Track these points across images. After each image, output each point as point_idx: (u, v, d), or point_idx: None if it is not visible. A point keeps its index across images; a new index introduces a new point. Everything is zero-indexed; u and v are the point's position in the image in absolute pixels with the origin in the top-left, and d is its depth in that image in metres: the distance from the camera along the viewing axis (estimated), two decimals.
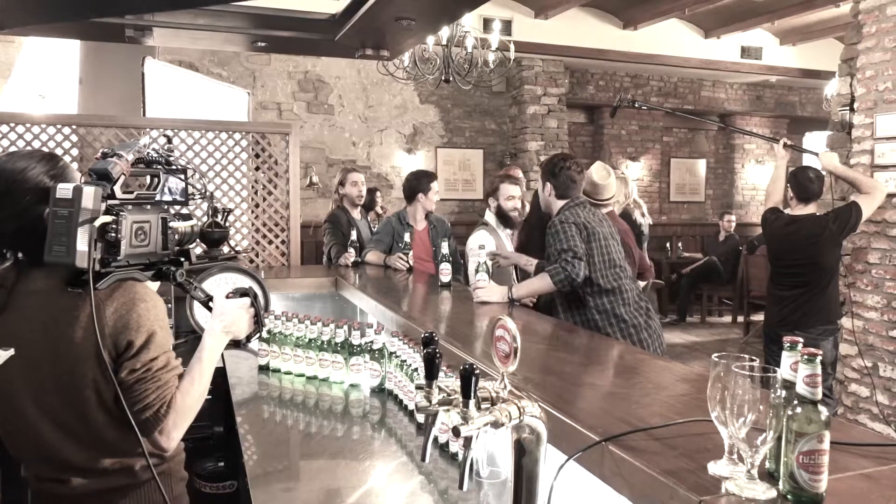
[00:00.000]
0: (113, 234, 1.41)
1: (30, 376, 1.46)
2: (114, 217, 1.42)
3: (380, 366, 2.38)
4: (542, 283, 2.93)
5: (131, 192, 1.51)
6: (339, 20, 3.20)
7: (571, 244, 2.85)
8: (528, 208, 5.18)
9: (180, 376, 1.54)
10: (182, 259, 1.66)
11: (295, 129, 4.32)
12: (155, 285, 1.69)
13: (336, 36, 3.31)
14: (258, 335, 1.79)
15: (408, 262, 3.96)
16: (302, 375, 2.56)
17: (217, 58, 8.22)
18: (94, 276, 1.38)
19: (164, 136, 2.20)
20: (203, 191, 1.90)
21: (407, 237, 4.06)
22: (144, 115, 4.42)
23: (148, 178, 1.65)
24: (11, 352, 1.24)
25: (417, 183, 4.37)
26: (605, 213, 3.45)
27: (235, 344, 1.73)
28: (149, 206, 1.56)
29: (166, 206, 1.64)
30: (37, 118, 3.87)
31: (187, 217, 1.72)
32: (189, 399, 1.52)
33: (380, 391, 2.37)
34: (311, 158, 8.54)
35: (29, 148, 3.78)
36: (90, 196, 1.38)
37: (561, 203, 3.08)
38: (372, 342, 2.42)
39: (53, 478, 1.52)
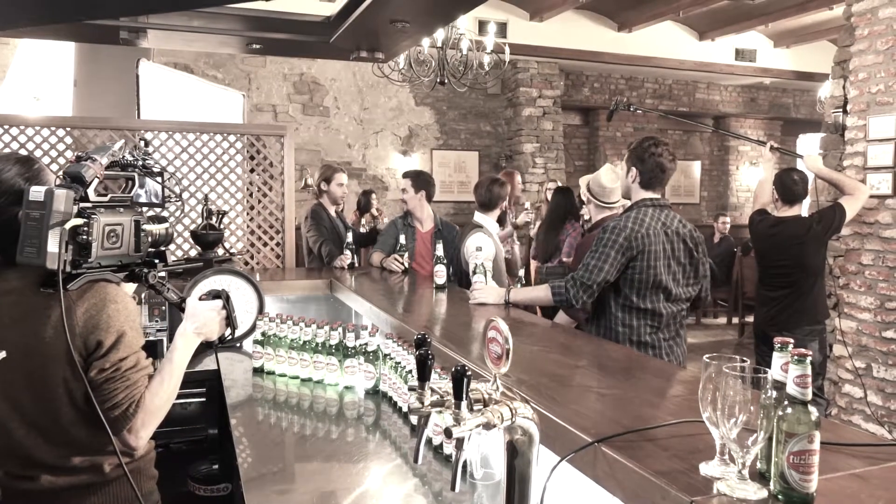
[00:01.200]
0: (84, 237, 1.44)
1: (2, 374, 1.47)
2: (85, 220, 1.44)
3: (374, 368, 2.38)
4: (542, 295, 2.83)
5: (105, 195, 1.53)
6: (333, 22, 3.20)
7: (593, 272, 2.63)
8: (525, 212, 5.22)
9: (150, 376, 1.56)
10: (156, 261, 1.68)
11: (290, 132, 4.32)
12: (131, 287, 1.71)
13: (331, 38, 3.31)
14: (230, 336, 1.81)
15: (403, 263, 3.96)
16: (296, 378, 2.55)
17: (212, 60, 8.21)
18: (65, 278, 1.41)
19: (143, 139, 2.22)
20: (179, 193, 1.92)
21: (403, 239, 4.06)
22: (139, 117, 4.42)
23: (123, 180, 1.67)
24: (3, 354, 1.25)
25: (421, 183, 4.30)
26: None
27: (207, 345, 1.74)
28: (122, 209, 1.59)
29: (140, 209, 1.66)
30: (31, 120, 3.87)
31: (161, 220, 1.74)
32: (158, 399, 1.55)
33: (374, 393, 2.37)
34: (307, 160, 8.54)
35: (7, 150, 3.77)
36: (62, 199, 1.40)
37: (639, 196, 2.78)
38: (366, 344, 2.42)
39: (23, 475, 1.53)
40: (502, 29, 8.05)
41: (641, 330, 2.71)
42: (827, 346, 4.37)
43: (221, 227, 3.65)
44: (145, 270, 1.65)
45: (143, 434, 1.53)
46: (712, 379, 1.09)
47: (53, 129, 3.86)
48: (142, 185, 1.68)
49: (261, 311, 2.96)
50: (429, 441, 1.85)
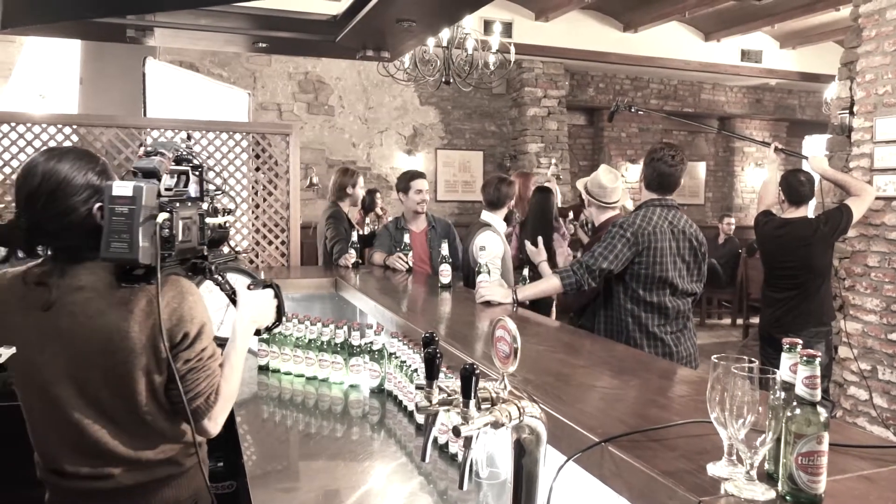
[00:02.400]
0: (168, 231, 1.43)
1: (77, 371, 1.46)
2: (169, 213, 1.44)
3: (379, 366, 2.39)
4: (549, 285, 2.91)
5: (170, 190, 1.52)
6: (340, 21, 3.21)
7: (598, 258, 2.74)
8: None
9: (220, 365, 1.57)
10: (206, 254, 1.69)
11: (295, 130, 4.32)
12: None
13: (337, 37, 3.32)
14: (278, 325, 1.83)
15: (407, 262, 3.96)
16: (301, 376, 2.56)
17: (218, 58, 8.22)
18: (147, 272, 1.41)
19: (189, 134, 2.20)
20: (220, 186, 1.92)
21: (407, 238, 4.05)
22: (145, 115, 4.42)
23: (176, 175, 1.65)
24: (13, 350, 1.25)
25: (398, 182, 4.38)
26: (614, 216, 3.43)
27: (255, 332, 1.75)
28: (189, 203, 1.59)
29: (199, 203, 1.67)
30: (37, 118, 3.87)
31: (214, 213, 1.76)
32: (231, 385, 1.58)
33: (379, 392, 2.38)
34: (312, 159, 8.55)
35: (14, 148, 3.77)
36: (150, 193, 1.40)
37: (646, 197, 2.91)
38: (371, 343, 2.42)
39: (94, 474, 1.51)
40: (507, 29, 8.04)
41: (649, 321, 2.83)
42: (832, 348, 4.36)
43: (227, 225, 3.65)
44: (205, 262, 1.67)
45: (220, 421, 1.55)
46: (720, 379, 1.09)
47: (59, 126, 3.87)
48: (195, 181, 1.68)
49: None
50: (434, 440, 1.85)
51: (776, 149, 4.31)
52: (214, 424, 1.53)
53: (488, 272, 3.09)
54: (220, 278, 1.71)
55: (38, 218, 1.44)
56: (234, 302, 1.72)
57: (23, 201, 1.46)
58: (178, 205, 1.49)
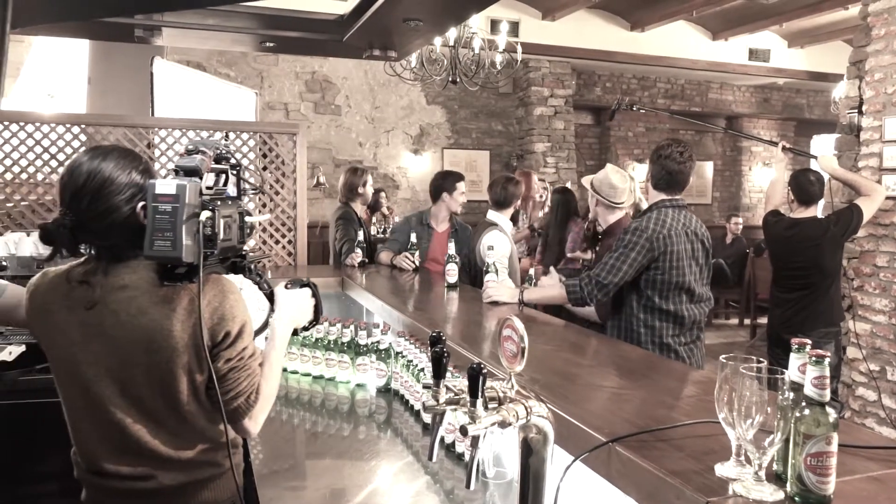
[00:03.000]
0: (210, 229, 1.43)
1: (119, 370, 1.46)
2: (211, 212, 1.43)
3: (386, 366, 2.39)
4: (556, 293, 2.84)
5: (210, 188, 1.52)
6: (346, 21, 3.21)
7: (611, 272, 2.63)
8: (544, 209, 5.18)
9: (260, 364, 1.57)
10: (244, 252, 1.68)
11: (302, 130, 4.33)
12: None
13: (344, 36, 3.32)
14: (315, 324, 1.82)
15: (414, 262, 3.95)
16: (308, 375, 2.56)
17: (225, 58, 8.24)
18: (189, 270, 1.41)
19: (226, 134, 2.18)
20: (259, 185, 1.89)
21: (413, 237, 4.04)
22: (153, 114, 4.44)
23: (214, 174, 1.64)
24: (23, 348, 1.25)
25: (443, 181, 4.26)
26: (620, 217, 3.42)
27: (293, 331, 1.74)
28: (230, 201, 1.58)
29: (239, 202, 1.65)
30: (46, 117, 3.89)
31: (249, 212, 1.73)
32: (271, 385, 1.56)
33: (386, 391, 2.38)
34: (318, 159, 8.56)
35: (23, 147, 3.79)
36: (193, 192, 1.39)
37: (656, 197, 2.78)
38: (378, 342, 2.42)
39: (135, 474, 1.50)
40: (514, 28, 8.03)
41: (663, 332, 2.70)
42: (841, 348, 4.34)
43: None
44: (244, 261, 1.65)
45: (260, 420, 1.54)
46: (728, 379, 1.09)
47: (68, 126, 3.88)
48: (236, 180, 1.66)
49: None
50: (441, 439, 1.85)
51: (784, 148, 4.28)
52: (255, 424, 1.53)
53: (496, 272, 3.08)
54: (258, 277, 1.70)
55: (82, 217, 1.44)
56: (271, 301, 1.71)
57: (67, 200, 1.46)
58: (219, 203, 1.48)
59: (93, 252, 1.51)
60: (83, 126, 3.95)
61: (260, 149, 4.24)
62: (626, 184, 3.53)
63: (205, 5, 2.98)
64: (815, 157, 4.15)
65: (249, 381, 1.50)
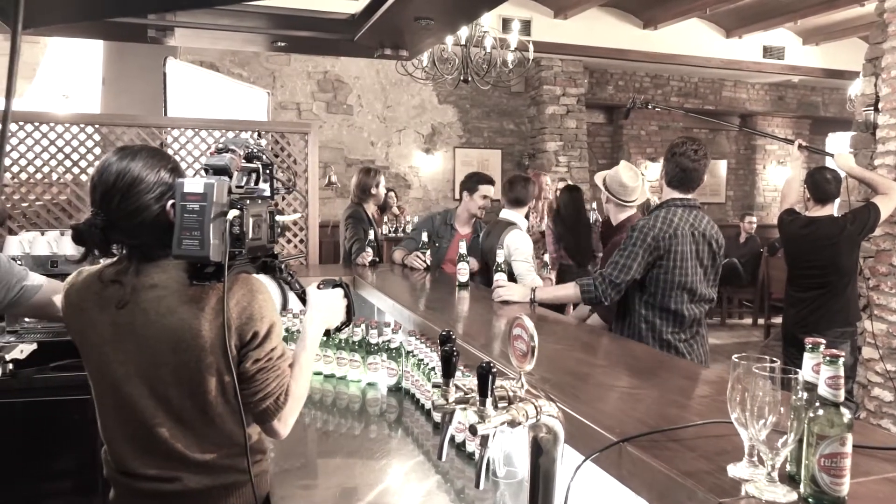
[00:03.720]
0: (238, 228, 1.42)
1: (148, 369, 1.46)
2: (240, 211, 1.43)
3: (397, 365, 2.39)
4: (569, 293, 2.86)
5: (241, 187, 1.51)
6: (358, 20, 3.21)
7: (622, 270, 2.66)
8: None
9: (290, 365, 1.55)
10: (275, 252, 1.67)
11: (314, 129, 4.35)
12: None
13: (355, 36, 3.32)
14: (348, 325, 1.80)
15: (426, 261, 3.94)
16: (319, 374, 2.57)
17: (237, 58, 8.28)
18: (218, 270, 1.40)
19: (257, 131, 2.19)
20: (291, 183, 1.89)
21: (425, 236, 4.02)
22: (166, 114, 4.47)
23: (246, 172, 1.63)
24: (34, 346, 1.26)
25: (466, 181, 4.21)
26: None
27: (326, 332, 1.73)
28: (259, 200, 1.57)
29: (270, 201, 1.64)
30: (60, 118, 3.93)
31: (280, 211, 1.73)
32: (301, 386, 1.55)
33: (396, 390, 2.38)
34: (330, 158, 8.58)
35: (38, 147, 3.83)
36: (221, 191, 1.39)
37: (669, 195, 2.81)
38: (389, 341, 2.42)
39: (161, 476, 1.49)
40: (526, 27, 8.01)
41: (663, 328, 2.74)
42: (857, 348, 4.29)
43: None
44: (275, 261, 1.65)
45: (290, 422, 1.52)
46: (741, 379, 1.08)
47: (82, 126, 3.92)
48: (265, 179, 1.64)
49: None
50: (451, 439, 1.85)
51: (800, 146, 4.24)
52: (284, 426, 1.51)
53: (504, 270, 3.08)
54: (290, 277, 1.69)
55: (113, 216, 1.45)
56: (303, 301, 1.70)
57: (98, 200, 1.46)
58: (248, 202, 1.48)
59: (124, 252, 1.51)
60: (97, 126, 3.98)
61: (272, 148, 4.26)
62: (637, 182, 3.51)
63: (213, 4, 2.98)
64: (832, 156, 4.11)
65: (279, 383, 1.48)
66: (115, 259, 1.53)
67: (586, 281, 2.77)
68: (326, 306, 1.69)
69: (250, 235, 1.47)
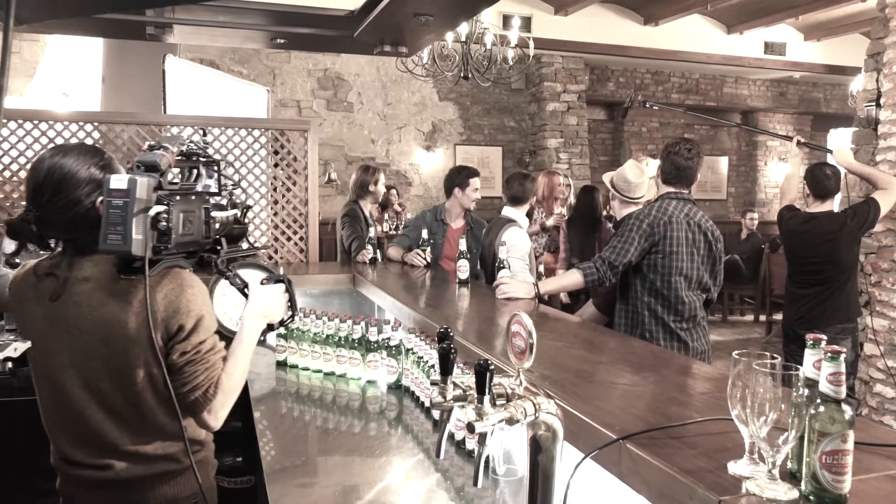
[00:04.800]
0: (165, 224, 1.45)
1: (81, 361, 1.50)
2: (165, 207, 1.45)
3: (397, 362, 2.38)
4: (572, 279, 2.94)
5: (175, 184, 1.56)
6: (357, 17, 3.21)
7: (619, 253, 2.81)
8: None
9: (224, 358, 1.58)
10: (218, 247, 1.71)
11: (314, 127, 4.33)
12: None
13: (355, 32, 3.32)
14: (291, 320, 1.84)
15: (426, 258, 3.93)
16: (319, 371, 2.56)
17: (237, 55, 8.27)
18: (144, 264, 1.43)
19: (202, 129, 2.26)
20: (238, 181, 1.95)
21: (425, 234, 4.02)
22: (165, 112, 4.46)
23: (187, 170, 1.69)
24: (28, 344, 1.28)
25: (456, 176, 4.23)
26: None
27: (269, 326, 1.76)
28: (193, 197, 1.61)
29: (206, 197, 1.68)
30: (60, 115, 3.92)
31: (223, 207, 1.77)
32: (233, 380, 1.58)
33: (396, 388, 2.37)
34: (331, 156, 8.57)
35: (37, 145, 3.82)
36: (144, 187, 1.42)
37: (663, 190, 2.98)
38: (389, 339, 2.42)
39: (96, 464, 1.54)
40: (526, 23, 7.98)
41: (664, 316, 2.86)
42: (858, 344, 4.29)
43: (246, 221, 3.66)
44: (213, 257, 1.68)
45: (221, 415, 1.56)
46: (741, 376, 1.07)
47: (82, 124, 3.91)
48: (210, 176, 1.70)
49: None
50: (451, 436, 1.84)
51: (799, 143, 4.24)
52: (215, 418, 1.54)
53: (509, 267, 3.08)
54: (229, 273, 1.71)
55: (44, 211, 1.49)
56: (245, 296, 1.73)
57: (30, 195, 1.51)
58: (177, 198, 1.51)
59: (54, 246, 1.56)
60: (96, 124, 3.97)
61: (272, 146, 4.25)
62: (642, 179, 3.52)
63: (205, 0, 2.98)
64: (831, 152, 4.11)
65: (207, 375, 1.51)
66: (52, 253, 1.57)
67: (587, 265, 2.87)
68: (267, 301, 1.72)
69: (180, 231, 1.51)
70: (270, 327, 1.76)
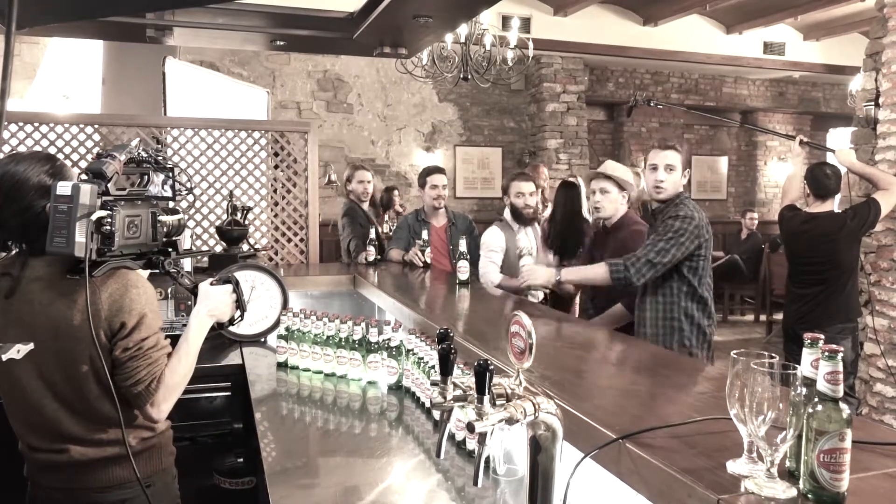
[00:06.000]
0: (108, 227, 1.56)
1: (35, 354, 1.59)
2: (108, 212, 1.56)
3: (397, 363, 2.38)
4: (597, 273, 2.86)
5: (124, 189, 1.67)
6: (357, 18, 3.20)
7: (662, 253, 2.69)
8: (549, 205, 5.15)
9: (169, 355, 1.69)
10: (170, 249, 1.81)
11: (314, 128, 4.34)
12: (145, 273, 1.84)
13: (354, 34, 3.31)
14: (241, 319, 1.93)
15: (424, 259, 3.96)
16: (320, 372, 2.56)
17: (237, 57, 8.28)
18: (90, 265, 1.52)
19: (155, 138, 2.38)
20: (189, 186, 2.10)
21: (425, 234, 4.06)
22: (165, 114, 4.46)
23: (138, 176, 1.82)
24: (31, 346, 1.32)
25: (419, 177, 4.47)
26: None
27: (219, 325, 1.86)
28: (139, 202, 1.72)
29: (155, 202, 1.79)
30: (60, 118, 3.93)
31: (174, 211, 1.89)
32: (176, 376, 1.69)
33: (397, 388, 2.37)
34: (331, 157, 8.58)
35: (37, 147, 3.85)
36: (87, 193, 1.52)
37: (680, 189, 2.89)
38: (389, 339, 2.42)
39: (52, 448, 1.66)
40: (526, 24, 7.99)
41: (702, 321, 2.84)
42: (859, 344, 4.29)
43: (246, 223, 3.68)
44: (161, 258, 1.78)
45: (164, 408, 1.67)
46: (740, 375, 1.07)
47: (82, 126, 3.92)
48: (166, 181, 1.83)
49: (285, 306, 2.98)
50: (451, 437, 1.85)
51: (801, 142, 4.23)
52: (158, 411, 1.66)
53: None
54: (177, 274, 1.81)
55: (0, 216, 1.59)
56: (195, 296, 1.82)
57: None
58: (122, 203, 1.62)
59: (12, 247, 1.67)
60: (97, 126, 3.98)
61: (272, 147, 4.26)
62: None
63: (207, 3, 2.98)
64: (833, 151, 4.11)
65: (149, 371, 1.62)
66: (11, 255, 1.69)
67: (616, 261, 2.78)
68: (214, 300, 1.81)
69: (125, 234, 1.62)
70: (221, 326, 1.85)
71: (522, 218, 3.99)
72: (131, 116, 4.16)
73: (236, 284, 1.87)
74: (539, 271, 2.95)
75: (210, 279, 1.86)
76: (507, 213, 4.09)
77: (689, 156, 3.10)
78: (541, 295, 3.65)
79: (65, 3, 2.32)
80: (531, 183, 4.04)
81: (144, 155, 1.79)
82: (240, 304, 1.88)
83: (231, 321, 1.89)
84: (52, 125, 3.85)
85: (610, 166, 3.48)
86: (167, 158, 1.88)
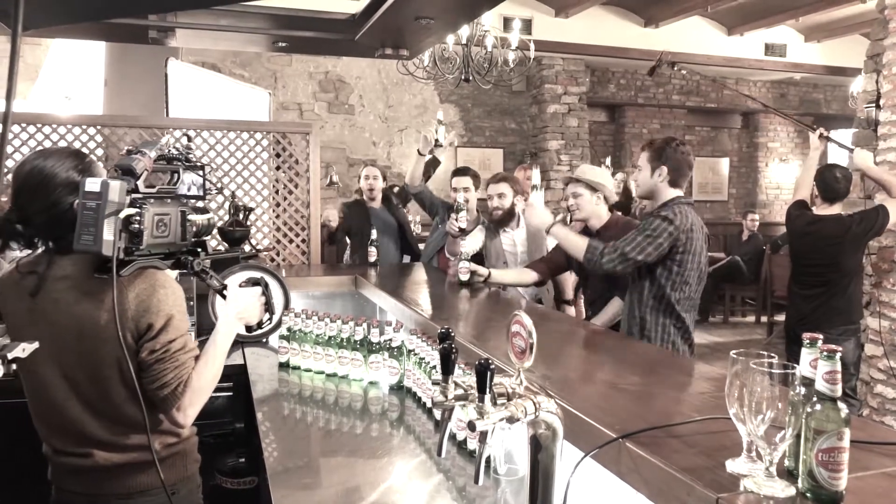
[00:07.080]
0: (136, 226, 1.50)
1: (59, 355, 1.56)
2: (137, 209, 1.51)
3: (398, 363, 2.39)
4: (577, 246, 2.84)
5: (153, 187, 1.61)
6: (358, 20, 3.21)
7: (636, 249, 2.66)
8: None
9: (197, 358, 1.65)
10: (199, 250, 1.76)
11: (315, 129, 4.35)
12: (174, 273, 1.81)
13: (356, 36, 3.32)
14: (270, 323, 1.90)
15: (459, 224, 3.72)
16: (321, 372, 2.57)
17: (239, 59, 8.29)
18: (118, 264, 1.48)
19: (186, 135, 2.31)
20: (220, 186, 2.03)
21: (461, 197, 3.86)
22: (167, 115, 4.47)
23: (168, 173, 1.76)
24: (36, 344, 1.31)
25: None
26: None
27: (248, 329, 1.83)
28: (169, 200, 1.67)
29: (185, 200, 1.74)
30: (63, 119, 3.93)
31: (204, 211, 1.82)
32: (203, 379, 1.64)
33: (398, 389, 2.38)
34: (332, 158, 8.59)
35: (40, 148, 3.85)
36: (116, 190, 1.47)
37: (673, 193, 2.79)
38: (391, 340, 2.43)
39: (76, 452, 1.61)
40: (527, 25, 8.00)
41: (675, 335, 2.75)
42: (861, 345, 4.29)
43: (248, 223, 3.68)
44: (190, 258, 1.73)
45: (190, 412, 1.62)
46: (739, 375, 1.08)
47: (84, 127, 3.92)
48: (194, 180, 1.78)
49: (287, 306, 2.98)
50: (453, 437, 1.85)
51: (821, 136, 4.07)
52: (184, 416, 1.61)
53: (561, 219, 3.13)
54: (204, 275, 1.76)
55: (25, 212, 1.56)
56: (224, 298, 1.79)
57: (13, 195, 1.58)
58: (151, 201, 1.57)
59: (38, 244, 1.63)
60: (99, 127, 3.99)
61: (273, 148, 4.26)
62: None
63: (211, 5, 2.99)
64: (852, 150, 4.01)
65: (176, 374, 1.57)
66: (36, 252, 1.65)
67: (597, 244, 2.78)
68: (242, 304, 1.78)
69: (154, 233, 1.56)
70: (249, 329, 1.82)
71: (495, 220, 3.96)
72: (133, 118, 4.17)
73: (266, 287, 1.84)
74: (538, 211, 2.94)
75: (239, 282, 1.83)
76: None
77: (672, 155, 2.98)
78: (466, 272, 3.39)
79: (69, 4, 2.33)
80: (502, 184, 3.95)
81: (175, 152, 1.74)
82: (269, 307, 1.85)
83: (259, 324, 1.85)
84: (54, 126, 3.86)
85: (580, 170, 3.48)
86: (197, 158, 1.83)
